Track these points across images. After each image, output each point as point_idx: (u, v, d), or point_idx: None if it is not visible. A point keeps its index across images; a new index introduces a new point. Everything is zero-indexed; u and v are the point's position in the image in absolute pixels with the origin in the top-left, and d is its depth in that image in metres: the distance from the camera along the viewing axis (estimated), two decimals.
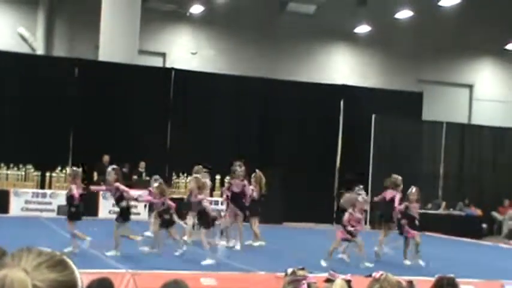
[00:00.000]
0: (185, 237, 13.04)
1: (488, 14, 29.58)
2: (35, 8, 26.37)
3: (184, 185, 21.86)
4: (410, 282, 3.55)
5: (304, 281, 2.51)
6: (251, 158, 22.51)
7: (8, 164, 20.22)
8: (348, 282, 2.40)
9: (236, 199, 14.66)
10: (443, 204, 24.18)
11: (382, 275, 2.59)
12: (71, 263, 1.53)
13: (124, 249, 12.84)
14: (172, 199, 21.23)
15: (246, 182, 14.61)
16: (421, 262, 12.99)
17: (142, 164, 21.56)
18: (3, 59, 21.95)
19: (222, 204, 21.70)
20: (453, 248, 18.46)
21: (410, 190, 13.83)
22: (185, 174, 21.99)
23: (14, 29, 26.05)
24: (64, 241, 12.70)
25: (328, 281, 2.41)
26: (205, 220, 11.85)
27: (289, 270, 2.60)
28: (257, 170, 15.55)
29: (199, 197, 11.90)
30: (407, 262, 13.21)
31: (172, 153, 22.86)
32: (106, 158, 21.21)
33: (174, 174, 22.23)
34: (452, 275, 4.72)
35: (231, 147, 22.64)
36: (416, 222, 13.58)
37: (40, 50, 26.03)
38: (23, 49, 25.28)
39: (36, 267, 1.46)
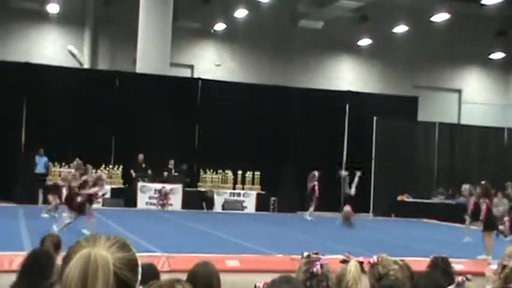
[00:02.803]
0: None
1: (474, 28, 29.30)
2: (82, 29, 26.57)
3: (210, 179, 21.91)
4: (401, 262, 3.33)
5: (317, 262, 2.50)
6: (268, 156, 22.55)
7: (60, 162, 20.40)
8: (361, 263, 2.38)
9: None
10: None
11: (379, 257, 2.56)
12: (131, 245, 1.60)
13: (158, 235, 12.88)
14: (199, 192, 21.49)
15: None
16: None
17: (171, 162, 21.57)
18: (55, 73, 22.13)
19: (244, 196, 21.87)
20: (446, 232, 18.32)
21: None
22: (211, 171, 22.02)
23: (64, 46, 26.27)
24: (108, 229, 12.77)
25: (344, 262, 2.39)
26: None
27: (305, 253, 2.59)
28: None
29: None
30: None
31: (200, 152, 22.88)
32: (141, 156, 21.26)
33: (201, 171, 22.27)
34: (445, 255, 4.67)
35: (251, 146, 22.65)
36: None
37: (86, 64, 26.22)
38: (72, 64, 25.49)
39: (108, 248, 1.53)
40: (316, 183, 19.26)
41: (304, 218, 19.53)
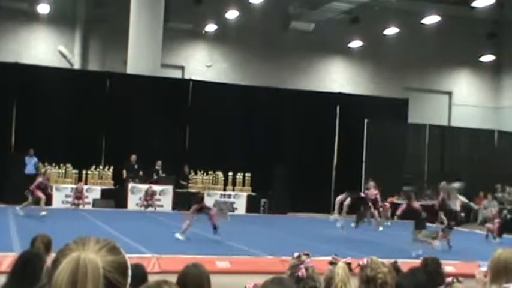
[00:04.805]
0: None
1: (465, 30, 29.46)
2: (72, 29, 26.46)
3: (201, 180, 21.87)
4: (395, 262, 3.53)
5: (301, 266, 2.48)
6: (259, 157, 22.54)
7: (50, 163, 20.30)
8: (348, 264, 2.38)
9: None
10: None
11: (368, 259, 2.56)
12: (121, 248, 1.59)
13: (148, 236, 12.82)
14: (190, 193, 21.47)
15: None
16: None
17: (158, 163, 21.43)
18: (46, 73, 22.03)
19: (234, 197, 21.83)
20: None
21: None
22: (202, 172, 21.99)
23: (55, 47, 26.16)
24: (98, 230, 12.70)
25: (332, 263, 2.39)
26: None
27: (296, 254, 2.59)
28: None
29: None
30: None
31: (191, 153, 22.84)
32: (133, 157, 21.19)
33: (192, 171, 22.23)
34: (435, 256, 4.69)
35: (241, 148, 22.64)
36: None
37: (77, 65, 26.11)
38: (63, 64, 25.37)
39: (98, 251, 1.52)
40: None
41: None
